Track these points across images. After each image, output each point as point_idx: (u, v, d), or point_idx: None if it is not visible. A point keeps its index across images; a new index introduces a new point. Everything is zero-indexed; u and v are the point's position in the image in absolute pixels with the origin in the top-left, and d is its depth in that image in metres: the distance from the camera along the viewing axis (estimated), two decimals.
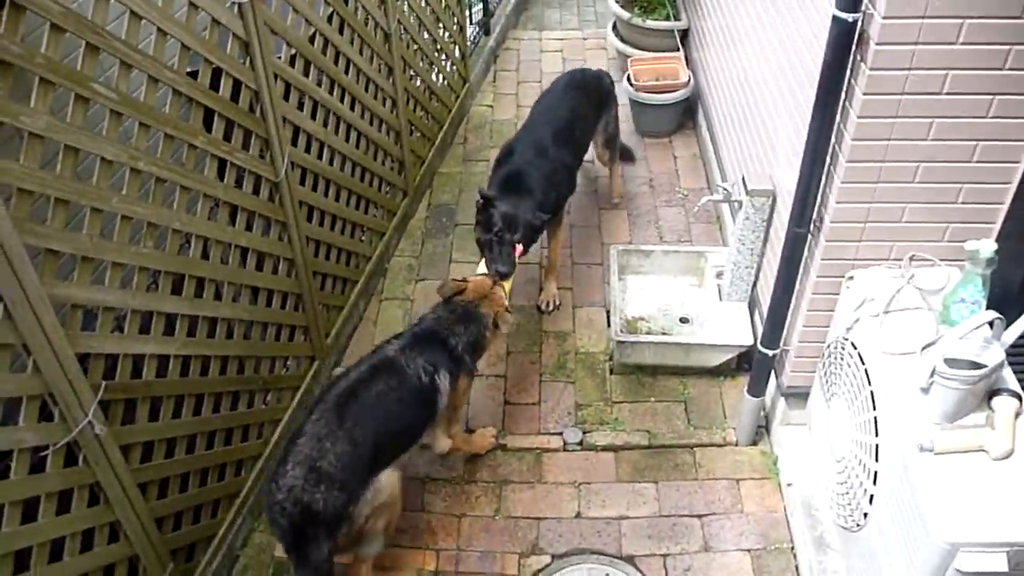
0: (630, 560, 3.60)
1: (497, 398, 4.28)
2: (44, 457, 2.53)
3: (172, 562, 3.16)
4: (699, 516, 3.72)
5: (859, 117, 2.92)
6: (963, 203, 3.09)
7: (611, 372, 4.36)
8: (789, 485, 3.68)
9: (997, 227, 3.13)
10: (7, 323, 2.29)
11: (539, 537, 3.69)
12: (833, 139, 3.05)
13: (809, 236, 3.29)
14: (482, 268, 4.07)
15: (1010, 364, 2.88)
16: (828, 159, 3.09)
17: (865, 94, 2.86)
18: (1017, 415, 2.74)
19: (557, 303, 4.74)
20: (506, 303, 3.73)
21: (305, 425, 3.16)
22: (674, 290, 4.55)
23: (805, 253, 3.36)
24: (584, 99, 4.81)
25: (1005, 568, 2.49)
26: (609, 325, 4.46)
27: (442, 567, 3.59)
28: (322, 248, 4.18)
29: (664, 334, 4.31)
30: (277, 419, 3.91)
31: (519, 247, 4.08)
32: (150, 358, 2.98)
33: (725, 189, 4.13)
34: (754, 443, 3.97)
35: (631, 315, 4.44)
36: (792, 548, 3.58)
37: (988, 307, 2.77)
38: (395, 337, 3.52)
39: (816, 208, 3.22)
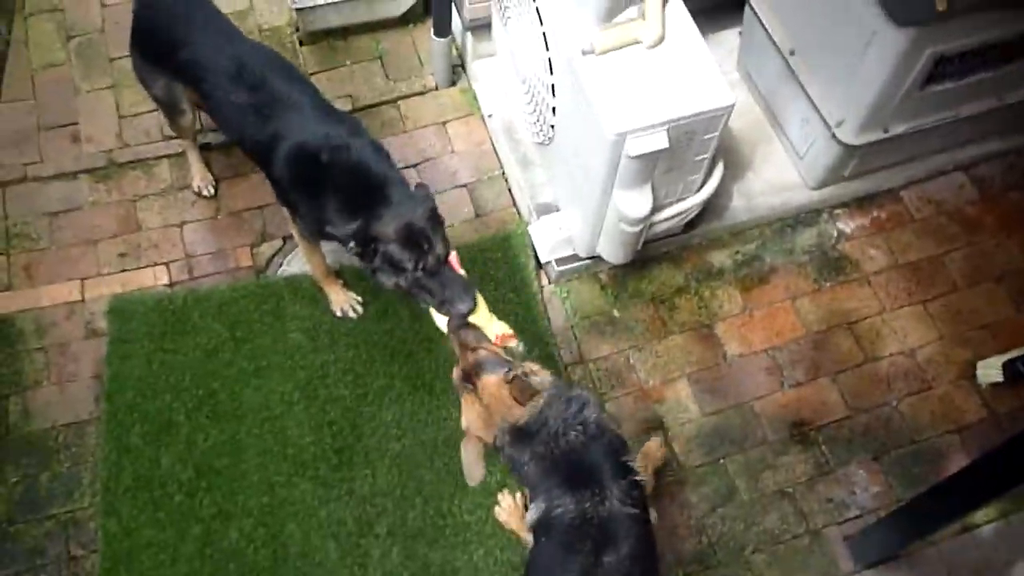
0: None
1: None
2: None
3: None
4: (414, 166, 3.83)
5: None
6: None
7: (301, 44, 4.15)
8: (490, 116, 3.83)
9: None
10: None
11: (266, 224, 3.70)
12: None
13: None
14: (440, 320, 2.75)
15: None
16: None
17: None
18: (665, 1, 2.91)
19: None
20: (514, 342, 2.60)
21: None
22: None
23: None
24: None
25: (667, 145, 2.79)
26: None
27: (176, 277, 3.57)
28: None
29: None
30: None
31: (453, 254, 2.79)
32: None
33: None
34: (453, 84, 4.02)
35: None
36: (503, 173, 3.82)
37: None
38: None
39: None
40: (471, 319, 2.65)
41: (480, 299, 2.70)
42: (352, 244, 2.71)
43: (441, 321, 2.73)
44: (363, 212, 2.73)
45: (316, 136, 2.83)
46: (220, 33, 3.04)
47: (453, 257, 2.77)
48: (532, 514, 2.42)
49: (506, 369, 2.42)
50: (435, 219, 2.75)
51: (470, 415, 2.46)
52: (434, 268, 2.69)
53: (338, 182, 2.80)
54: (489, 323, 2.68)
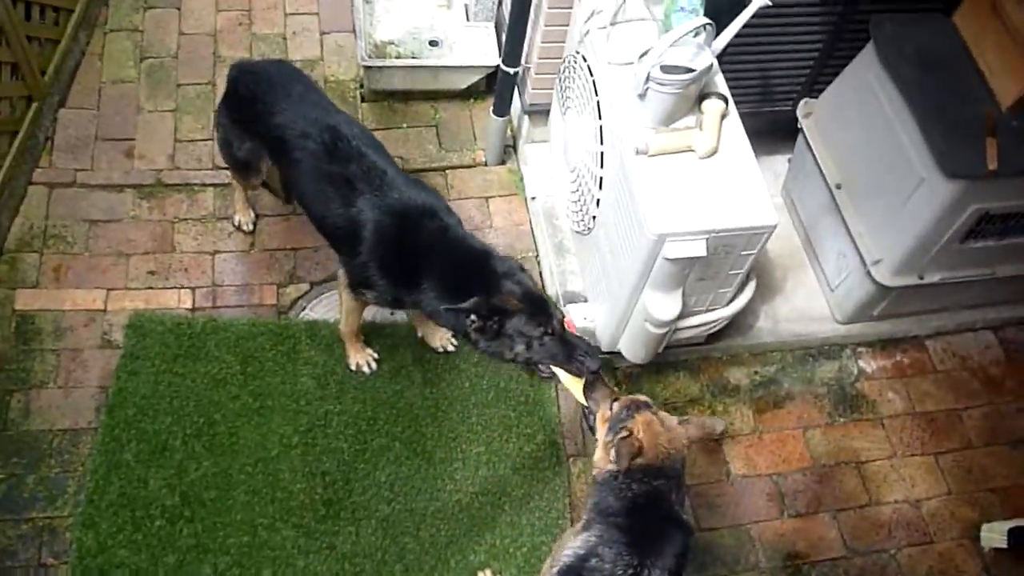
0: None
1: None
2: None
3: None
4: None
5: None
6: None
7: (362, 100, 4.27)
8: (533, 199, 3.89)
9: None
10: None
11: (296, 266, 3.74)
12: None
13: None
14: (566, 380, 2.74)
15: (723, 71, 3.10)
16: None
17: None
18: (723, 116, 2.97)
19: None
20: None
21: None
22: (423, 12, 4.41)
23: None
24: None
25: (705, 253, 2.82)
26: None
27: (199, 303, 3.60)
28: None
29: (414, 57, 4.23)
30: None
31: (567, 318, 2.83)
32: None
33: None
34: (502, 162, 4.10)
35: (380, 39, 4.30)
36: (536, 256, 3.85)
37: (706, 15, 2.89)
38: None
39: None
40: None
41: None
42: (473, 318, 2.66)
43: (567, 379, 2.73)
44: (472, 287, 2.70)
45: (416, 212, 2.85)
46: (315, 104, 3.10)
47: (569, 321, 2.79)
48: (575, 543, 2.38)
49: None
50: (530, 280, 2.80)
51: (654, 428, 2.43)
52: (558, 332, 2.70)
53: (444, 261, 2.81)
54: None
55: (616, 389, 2.59)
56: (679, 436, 2.46)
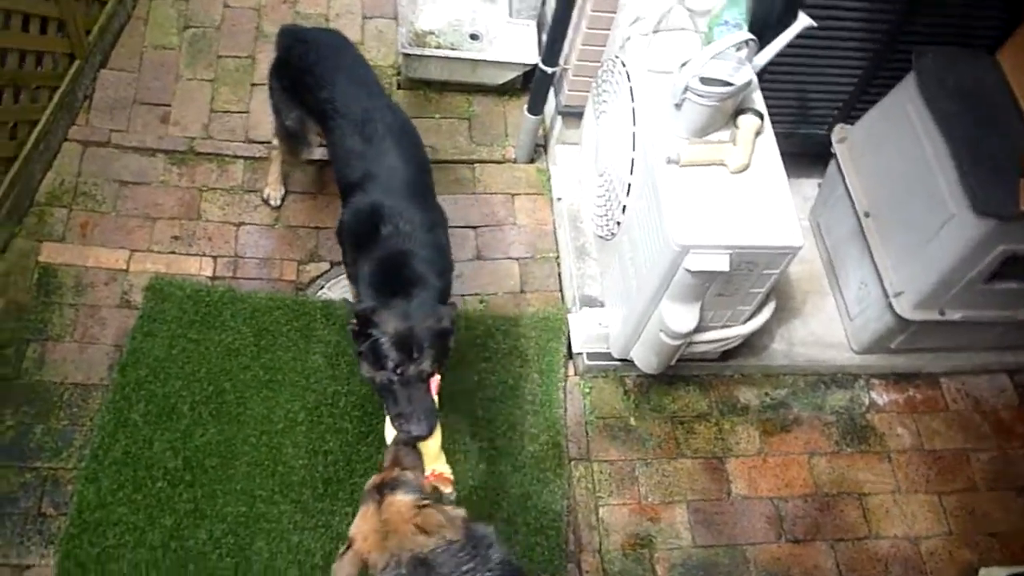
0: None
1: None
2: None
3: None
4: (474, 227, 3.89)
5: None
6: None
7: (398, 87, 4.29)
8: (559, 200, 3.89)
9: None
10: None
11: (318, 245, 3.76)
12: None
13: None
14: (389, 432, 2.59)
15: (762, 88, 3.09)
16: None
17: None
18: (758, 133, 2.97)
19: None
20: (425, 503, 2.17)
21: None
22: (465, 4, 4.42)
23: None
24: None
25: (727, 268, 2.81)
26: None
27: (219, 272, 3.62)
28: None
29: (453, 49, 4.24)
30: (33, 120, 3.61)
31: (436, 378, 2.64)
32: None
33: None
34: (531, 161, 4.11)
35: (421, 29, 4.32)
36: (557, 257, 3.86)
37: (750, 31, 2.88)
38: None
39: None
40: (421, 445, 2.50)
41: (438, 434, 2.56)
42: (353, 320, 2.59)
43: (391, 433, 2.57)
44: (381, 295, 2.66)
45: (391, 209, 2.82)
46: (361, 82, 3.14)
47: (435, 381, 2.63)
48: None
49: (420, 495, 2.21)
50: (441, 338, 2.61)
51: (363, 527, 2.17)
52: (409, 380, 2.55)
53: (380, 257, 2.77)
54: (436, 459, 2.54)
55: (418, 467, 2.39)
56: (405, 538, 2.10)
